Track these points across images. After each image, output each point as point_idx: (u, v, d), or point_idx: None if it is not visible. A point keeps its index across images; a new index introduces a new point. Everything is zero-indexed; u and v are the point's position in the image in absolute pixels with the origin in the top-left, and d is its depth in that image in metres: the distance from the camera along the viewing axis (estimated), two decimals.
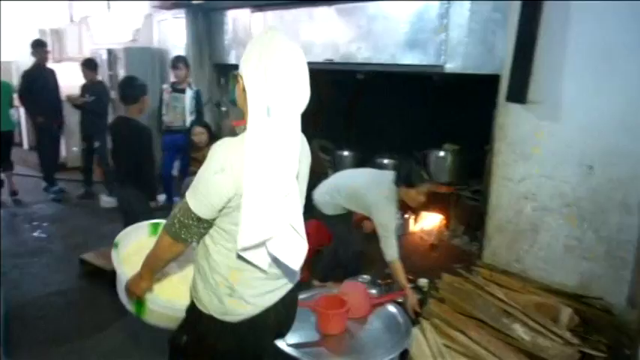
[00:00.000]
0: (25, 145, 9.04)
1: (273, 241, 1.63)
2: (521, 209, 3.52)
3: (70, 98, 6.41)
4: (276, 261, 1.70)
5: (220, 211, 1.67)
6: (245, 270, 1.72)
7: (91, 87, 6.26)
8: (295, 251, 1.69)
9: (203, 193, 1.65)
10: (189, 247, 1.80)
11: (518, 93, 3.32)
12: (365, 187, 3.57)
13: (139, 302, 1.99)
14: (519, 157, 3.47)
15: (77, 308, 3.84)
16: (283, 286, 1.85)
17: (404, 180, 3.39)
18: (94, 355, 3.28)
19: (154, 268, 1.88)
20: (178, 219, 1.71)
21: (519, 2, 3.23)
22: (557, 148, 3.31)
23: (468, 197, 5.05)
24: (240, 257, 1.68)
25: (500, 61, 3.53)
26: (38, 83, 6.29)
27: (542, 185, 3.40)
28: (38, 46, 6.37)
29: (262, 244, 1.63)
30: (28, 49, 6.44)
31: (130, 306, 2.06)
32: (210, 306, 1.76)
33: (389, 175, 3.53)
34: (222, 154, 1.63)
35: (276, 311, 1.82)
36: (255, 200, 1.56)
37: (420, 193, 3.38)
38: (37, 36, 8.62)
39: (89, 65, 6.32)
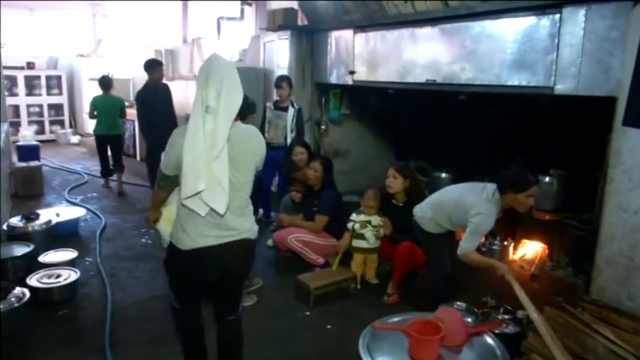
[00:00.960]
0: (138, 157, 9.71)
1: (205, 193, 2.34)
2: (636, 242, 3.24)
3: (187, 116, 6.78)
4: (213, 214, 2.42)
5: (175, 170, 2.50)
6: (190, 215, 2.46)
7: None
8: (220, 201, 2.38)
9: (164, 157, 2.59)
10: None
11: (638, 117, 3.09)
12: (465, 193, 3.58)
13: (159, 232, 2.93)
14: (636, 185, 3.20)
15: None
16: (227, 236, 2.54)
17: (510, 185, 3.32)
18: None
19: (154, 206, 2.88)
20: (158, 175, 2.68)
21: None
22: None
23: (574, 226, 4.75)
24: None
25: (617, 82, 3.31)
26: (153, 99, 6.71)
27: None
28: (155, 65, 6.79)
29: (196, 195, 2.35)
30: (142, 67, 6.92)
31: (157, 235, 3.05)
32: (173, 234, 2.61)
33: (491, 185, 3.48)
34: (173, 135, 2.54)
35: (218, 251, 2.53)
36: (189, 165, 2.34)
37: (528, 196, 3.31)
38: (152, 56, 9.30)
39: None
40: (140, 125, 7.22)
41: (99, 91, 7.68)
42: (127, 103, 8.97)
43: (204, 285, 2.69)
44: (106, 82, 7.60)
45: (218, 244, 2.52)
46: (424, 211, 3.83)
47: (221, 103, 2.36)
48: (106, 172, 7.83)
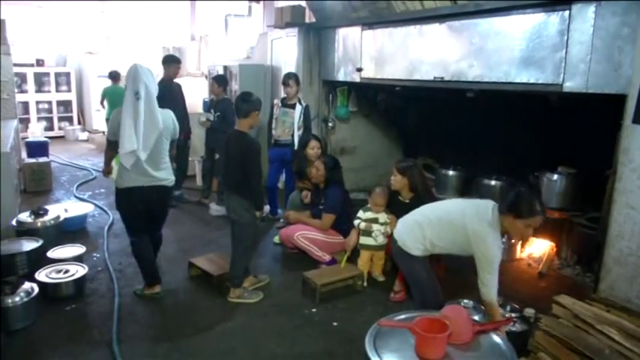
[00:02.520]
0: None
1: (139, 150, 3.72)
2: None
3: (199, 122, 6.73)
4: (139, 166, 3.77)
5: (114, 137, 3.82)
6: (123, 165, 3.78)
7: (217, 103, 6.51)
8: (145, 153, 3.75)
9: (107, 128, 4.09)
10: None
11: None
12: (462, 215, 3.10)
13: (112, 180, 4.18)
14: None
15: (183, 308, 4.02)
16: (148, 181, 3.86)
17: (510, 207, 2.89)
18: (196, 355, 3.41)
19: (107, 162, 4.23)
20: (106, 140, 4.13)
21: None
22: None
23: (582, 225, 4.72)
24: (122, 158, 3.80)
25: (627, 80, 3.28)
26: (166, 96, 6.66)
27: None
28: (172, 62, 6.62)
29: (131, 152, 3.69)
30: (152, 64, 6.90)
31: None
32: (116, 180, 3.95)
33: (489, 203, 3.08)
34: (113, 115, 3.88)
35: (143, 191, 3.87)
36: (125, 132, 3.66)
37: (528, 226, 2.88)
38: (159, 53, 9.37)
39: (220, 81, 6.58)
40: None
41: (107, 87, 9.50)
42: None
43: (138, 213, 3.95)
44: (114, 75, 9.50)
45: (141, 186, 3.85)
46: (402, 226, 3.45)
47: (146, 92, 3.72)
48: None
